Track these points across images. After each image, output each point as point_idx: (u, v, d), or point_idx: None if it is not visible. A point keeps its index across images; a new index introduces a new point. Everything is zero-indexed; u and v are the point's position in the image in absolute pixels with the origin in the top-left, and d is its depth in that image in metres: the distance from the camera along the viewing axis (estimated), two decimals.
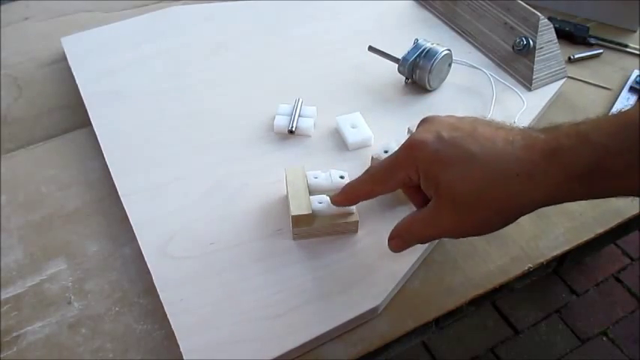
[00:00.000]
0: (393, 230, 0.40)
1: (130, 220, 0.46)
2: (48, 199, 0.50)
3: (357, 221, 0.44)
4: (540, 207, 0.35)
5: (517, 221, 0.48)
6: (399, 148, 0.38)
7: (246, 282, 0.42)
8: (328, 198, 0.44)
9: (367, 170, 0.41)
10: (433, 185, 0.36)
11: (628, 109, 0.32)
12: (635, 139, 0.30)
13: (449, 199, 0.35)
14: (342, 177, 0.46)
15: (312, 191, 0.45)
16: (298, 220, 0.43)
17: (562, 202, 0.34)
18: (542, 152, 0.33)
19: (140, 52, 0.63)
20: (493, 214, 0.35)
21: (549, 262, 0.46)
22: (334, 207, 0.43)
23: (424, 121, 0.40)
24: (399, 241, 0.40)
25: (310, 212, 0.43)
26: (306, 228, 0.43)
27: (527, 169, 0.33)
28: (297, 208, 0.43)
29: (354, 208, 0.44)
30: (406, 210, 0.47)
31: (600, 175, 0.31)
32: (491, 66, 0.61)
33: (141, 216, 0.47)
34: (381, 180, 0.40)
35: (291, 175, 0.46)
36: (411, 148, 0.37)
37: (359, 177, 0.41)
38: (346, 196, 0.42)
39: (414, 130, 0.41)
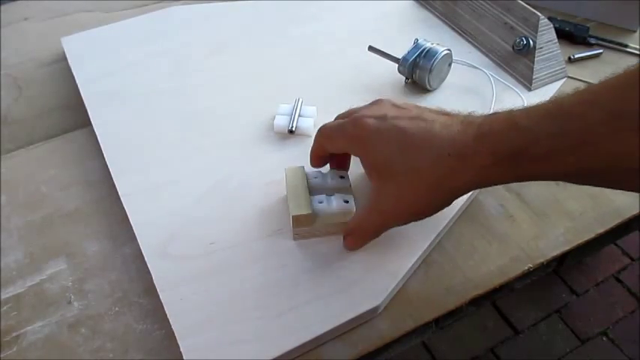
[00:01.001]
0: (344, 229, 0.43)
1: (130, 220, 0.46)
2: (48, 199, 0.50)
3: None
4: (473, 188, 0.37)
5: (517, 221, 0.48)
6: (348, 120, 0.41)
7: (246, 282, 0.42)
8: (328, 198, 0.44)
9: (322, 125, 0.44)
10: (372, 164, 0.38)
11: (560, 97, 0.33)
12: (559, 125, 0.32)
13: (387, 176, 0.37)
14: (342, 177, 0.46)
15: (312, 191, 0.45)
16: (298, 220, 0.43)
17: (493, 185, 0.37)
18: (474, 135, 0.35)
19: (140, 52, 0.63)
20: (428, 192, 0.37)
21: (549, 262, 0.46)
22: (334, 207, 0.44)
23: (375, 102, 0.42)
24: (351, 238, 0.42)
25: (310, 212, 0.43)
26: (306, 228, 0.43)
27: (458, 150, 0.35)
28: (297, 208, 0.43)
29: (354, 208, 0.44)
30: None
31: (526, 158, 0.33)
32: (492, 66, 0.61)
33: (141, 216, 0.47)
34: (327, 136, 0.43)
35: (291, 175, 0.46)
36: (354, 122, 0.39)
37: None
38: (312, 155, 0.45)
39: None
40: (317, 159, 0.46)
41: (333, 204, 0.44)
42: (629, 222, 0.49)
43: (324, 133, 0.43)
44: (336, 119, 0.45)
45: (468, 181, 0.36)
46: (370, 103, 0.43)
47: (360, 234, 0.42)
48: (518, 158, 0.33)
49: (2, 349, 0.40)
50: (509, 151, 0.33)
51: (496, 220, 0.48)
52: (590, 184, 0.35)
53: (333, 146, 0.43)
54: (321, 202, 0.44)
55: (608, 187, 0.35)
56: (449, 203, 0.39)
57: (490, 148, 0.34)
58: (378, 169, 0.38)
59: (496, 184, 0.36)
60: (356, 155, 0.41)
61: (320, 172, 0.47)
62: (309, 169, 0.47)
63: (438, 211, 0.39)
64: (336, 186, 0.46)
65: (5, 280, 0.44)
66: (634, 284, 1.29)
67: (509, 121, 0.34)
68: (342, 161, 0.47)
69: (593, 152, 0.31)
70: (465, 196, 0.47)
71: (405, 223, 0.41)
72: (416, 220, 0.40)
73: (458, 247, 0.46)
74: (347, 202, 0.44)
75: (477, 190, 0.50)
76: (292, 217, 0.43)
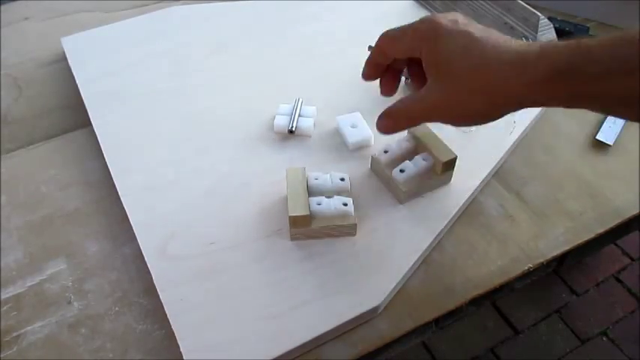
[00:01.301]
0: (382, 112, 0.42)
1: (130, 220, 0.46)
2: (48, 199, 0.50)
3: (355, 224, 0.44)
4: (524, 105, 0.37)
5: (517, 221, 0.48)
6: (418, 21, 0.40)
7: (246, 282, 0.42)
8: (327, 200, 0.44)
9: (384, 31, 0.43)
10: (435, 60, 0.38)
11: (627, 30, 0.33)
12: (621, 49, 0.32)
13: (445, 73, 0.38)
14: (342, 179, 0.46)
15: (311, 192, 0.45)
16: (296, 221, 0.43)
17: (543, 104, 0.37)
18: (537, 51, 0.35)
19: (140, 52, 0.63)
20: (481, 95, 0.37)
21: (549, 262, 0.46)
22: (332, 209, 0.44)
23: (445, 13, 0.42)
24: (388, 120, 0.42)
25: (308, 214, 0.43)
26: (304, 229, 0.43)
27: (520, 59, 0.35)
28: (295, 209, 0.43)
29: (352, 211, 0.44)
30: (406, 210, 0.47)
31: (583, 76, 0.33)
32: None
33: (141, 216, 0.47)
34: (393, 37, 0.41)
35: (291, 176, 0.46)
36: (427, 19, 0.39)
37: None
38: (368, 64, 0.44)
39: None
40: (372, 67, 0.44)
41: (331, 206, 0.44)
42: (629, 222, 0.49)
43: (389, 34, 0.42)
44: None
45: (521, 95, 0.36)
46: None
47: (398, 116, 0.42)
48: (575, 75, 0.33)
49: (2, 349, 0.40)
50: (567, 67, 0.34)
51: (496, 220, 0.48)
52: (626, 117, 0.35)
53: (399, 47, 0.41)
54: (319, 204, 0.44)
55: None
56: (495, 115, 0.38)
57: (550, 64, 0.34)
58: (439, 66, 0.38)
59: (547, 105, 0.37)
60: (418, 55, 0.40)
61: (320, 173, 0.47)
62: (309, 168, 0.47)
63: (482, 121, 0.39)
64: (336, 188, 0.46)
65: (5, 280, 0.44)
66: (634, 284, 1.29)
67: (573, 41, 0.34)
68: (392, 78, 0.45)
69: None
70: (465, 197, 0.48)
71: (445, 122, 0.40)
72: (457, 123, 0.41)
73: (458, 247, 0.46)
74: (345, 204, 0.44)
75: (477, 191, 0.50)
76: (290, 217, 0.43)
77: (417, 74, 0.43)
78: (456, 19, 0.39)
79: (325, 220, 0.44)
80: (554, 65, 0.34)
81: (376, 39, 0.42)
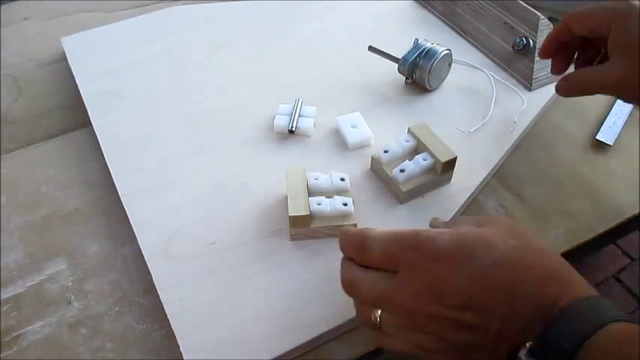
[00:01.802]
0: (564, 75, 0.46)
1: (130, 220, 0.46)
2: (48, 199, 0.50)
3: (356, 224, 0.44)
4: None
5: (517, 221, 0.48)
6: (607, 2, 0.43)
7: (246, 282, 0.42)
8: (327, 200, 0.44)
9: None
10: (623, 37, 0.41)
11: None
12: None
13: (633, 49, 0.40)
14: (342, 179, 0.46)
15: (311, 192, 0.45)
16: (296, 221, 0.43)
17: None
18: None
19: (140, 52, 0.63)
20: None
21: None
22: (332, 209, 0.44)
23: None
24: (568, 83, 0.45)
25: (308, 214, 0.43)
26: (304, 229, 0.43)
27: None
28: (295, 209, 0.43)
29: (352, 211, 0.44)
30: (406, 210, 0.47)
31: None
32: (492, 66, 0.61)
33: (141, 216, 0.47)
34: (581, 14, 0.44)
35: (291, 176, 0.46)
36: (620, 1, 0.42)
37: None
38: (549, 39, 0.47)
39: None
40: (552, 44, 0.47)
41: (331, 206, 0.44)
42: (629, 222, 0.49)
43: (576, 12, 0.44)
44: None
45: None
46: None
47: (579, 82, 0.44)
48: None
49: (2, 349, 0.40)
50: None
51: None
52: None
53: (588, 21, 0.43)
54: (319, 204, 0.44)
55: None
56: None
57: None
58: (628, 43, 0.41)
59: None
60: (604, 32, 0.42)
61: (320, 173, 0.47)
62: (309, 168, 0.47)
63: None
64: (336, 188, 0.46)
65: (5, 280, 0.44)
66: (634, 284, 1.29)
67: None
68: (565, 57, 0.48)
69: None
70: (465, 197, 0.48)
71: (620, 96, 0.45)
72: (630, 99, 0.46)
73: None
74: (345, 204, 0.44)
75: (477, 191, 0.50)
76: (290, 217, 0.43)
77: (585, 59, 0.47)
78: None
79: (325, 220, 0.44)
80: None
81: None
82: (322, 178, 0.46)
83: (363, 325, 0.40)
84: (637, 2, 0.41)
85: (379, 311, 0.32)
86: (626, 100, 0.47)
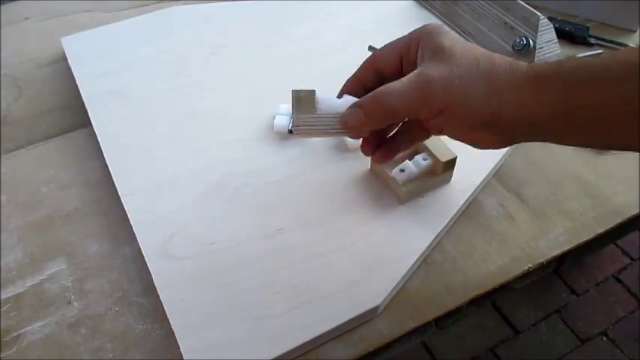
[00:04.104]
0: (355, 102, 0.38)
1: (130, 220, 0.46)
2: (48, 199, 0.50)
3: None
4: (516, 110, 0.34)
5: (517, 221, 0.48)
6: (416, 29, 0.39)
7: (246, 282, 0.42)
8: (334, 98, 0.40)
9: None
10: (431, 47, 0.36)
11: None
12: (608, 58, 0.31)
13: (443, 54, 0.35)
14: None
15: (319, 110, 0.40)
16: (299, 100, 0.38)
17: (539, 117, 0.34)
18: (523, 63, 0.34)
19: (140, 52, 0.63)
20: (483, 80, 0.34)
21: (549, 262, 0.46)
22: (339, 102, 0.39)
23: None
24: (360, 112, 0.37)
25: (313, 90, 0.38)
26: (308, 115, 0.38)
27: (509, 65, 0.34)
28: (299, 91, 0.38)
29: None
30: (406, 210, 0.47)
31: (569, 80, 0.32)
32: None
33: (141, 216, 0.47)
34: (384, 49, 0.40)
35: (296, 94, 0.39)
36: (422, 27, 0.38)
37: None
38: (352, 81, 0.42)
39: None
40: (356, 82, 0.41)
41: (338, 101, 0.39)
42: (629, 222, 0.49)
43: (379, 50, 0.40)
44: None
45: (513, 88, 0.34)
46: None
47: (378, 107, 0.36)
48: (563, 78, 0.32)
49: (2, 349, 0.40)
50: (555, 71, 0.33)
51: (496, 220, 0.48)
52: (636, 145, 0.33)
53: (391, 52, 0.39)
54: (326, 100, 0.39)
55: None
56: (486, 101, 0.34)
57: (537, 69, 0.33)
58: (437, 50, 0.35)
59: (541, 117, 0.34)
60: (415, 55, 0.37)
61: (331, 96, 0.41)
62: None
63: (476, 103, 0.35)
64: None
65: (5, 280, 0.44)
66: (634, 284, 1.29)
67: (556, 63, 0.34)
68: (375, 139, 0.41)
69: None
70: (465, 197, 0.48)
71: (437, 110, 0.35)
72: (452, 111, 0.36)
73: (458, 247, 0.46)
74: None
75: (477, 191, 0.50)
76: (292, 92, 0.38)
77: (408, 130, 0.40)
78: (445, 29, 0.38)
79: (330, 108, 0.39)
80: (540, 70, 0.33)
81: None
82: (331, 101, 0.40)
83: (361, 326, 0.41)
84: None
85: None
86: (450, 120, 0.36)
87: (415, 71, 0.36)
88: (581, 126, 0.33)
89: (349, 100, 0.39)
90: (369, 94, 0.37)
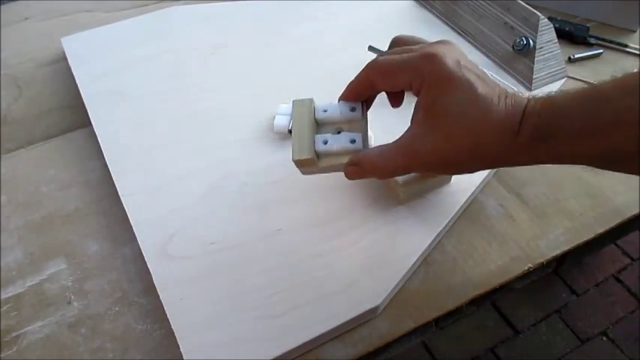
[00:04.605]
0: (353, 158, 0.40)
1: (130, 220, 0.46)
2: (48, 199, 0.50)
3: None
4: (510, 165, 0.38)
5: (517, 221, 0.48)
6: (416, 54, 0.38)
7: (246, 282, 0.42)
8: (334, 137, 0.41)
9: (374, 61, 0.40)
10: (429, 105, 0.37)
11: (599, 82, 0.34)
12: (594, 105, 0.33)
13: (438, 123, 0.37)
14: (353, 109, 0.43)
15: (320, 125, 0.42)
16: (300, 164, 0.41)
17: (533, 164, 0.37)
18: (519, 114, 0.35)
19: (140, 52, 0.63)
20: (469, 147, 0.36)
21: (549, 262, 0.46)
22: (339, 147, 0.41)
23: (444, 43, 0.40)
24: (359, 169, 0.40)
25: (311, 157, 0.40)
26: (312, 168, 0.41)
27: (507, 126, 0.35)
28: (299, 152, 0.40)
29: (361, 147, 0.41)
30: (406, 210, 0.47)
31: (560, 137, 0.34)
32: (492, 66, 0.61)
33: (141, 216, 0.47)
34: (386, 72, 0.39)
35: (298, 108, 0.42)
36: (430, 58, 0.37)
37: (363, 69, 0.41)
38: (350, 90, 0.42)
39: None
40: (355, 94, 0.42)
41: (337, 144, 0.41)
42: (629, 222, 0.49)
43: (380, 68, 0.39)
44: (385, 54, 0.41)
45: (507, 158, 0.37)
46: (437, 42, 0.40)
47: (372, 168, 0.40)
48: (553, 138, 0.34)
49: (2, 349, 0.40)
50: (546, 131, 0.34)
51: (496, 220, 0.48)
52: (619, 170, 0.35)
53: (392, 82, 0.39)
54: (325, 143, 0.41)
55: (635, 174, 0.35)
56: (475, 169, 0.38)
57: (530, 130, 0.35)
58: (434, 114, 0.37)
59: (528, 164, 0.37)
60: (416, 93, 0.38)
61: (330, 103, 0.43)
62: (318, 101, 0.44)
63: (463, 171, 0.40)
64: (346, 118, 0.42)
65: (5, 280, 0.44)
66: (634, 284, 1.29)
67: (548, 101, 0.35)
68: (369, 100, 0.44)
69: (626, 135, 0.31)
70: (465, 197, 0.48)
71: (426, 171, 0.41)
72: (437, 171, 0.42)
73: (458, 247, 0.46)
74: (354, 141, 0.41)
75: (477, 191, 0.50)
76: (294, 161, 0.41)
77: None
78: (458, 59, 0.37)
79: (332, 159, 0.41)
80: (534, 131, 0.34)
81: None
82: (331, 109, 0.43)
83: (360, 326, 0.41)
84: (449, 62, 0.36)
85: None
86: (435, 172, 0.43)
87: (407, 136, 0.39)
88: (574, 163, 0.36)
89: (346, 108, 0.42)
90: (368, 154, 0.40)
